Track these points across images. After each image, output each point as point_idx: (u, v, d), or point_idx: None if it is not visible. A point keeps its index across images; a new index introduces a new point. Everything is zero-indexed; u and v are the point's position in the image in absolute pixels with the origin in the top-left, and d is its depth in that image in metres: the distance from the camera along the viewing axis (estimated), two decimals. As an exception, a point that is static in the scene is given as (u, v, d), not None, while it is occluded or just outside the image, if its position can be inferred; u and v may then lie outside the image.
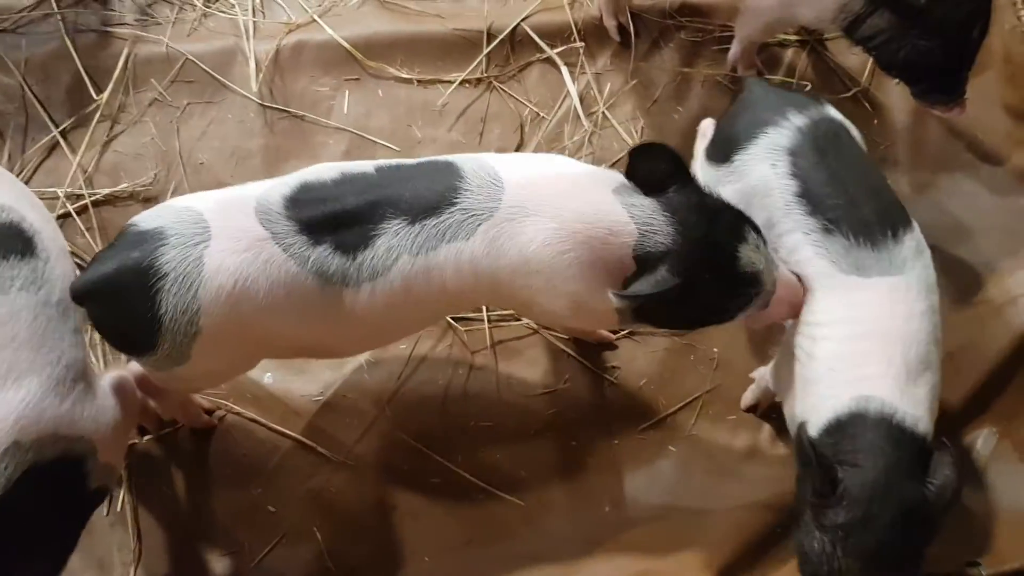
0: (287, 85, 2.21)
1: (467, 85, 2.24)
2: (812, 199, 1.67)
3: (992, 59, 2.22)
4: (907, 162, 2.21)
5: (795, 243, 1.68)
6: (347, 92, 2.22)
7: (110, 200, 2.12)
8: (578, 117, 2.20)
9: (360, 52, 2.23)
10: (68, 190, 2.10)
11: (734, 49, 2.24)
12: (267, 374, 1.98)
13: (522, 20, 2.26)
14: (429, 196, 1.56)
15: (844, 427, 1.59)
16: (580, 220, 1.55)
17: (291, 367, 1.98)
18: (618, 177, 1.61)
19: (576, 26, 2.26)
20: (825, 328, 1.65)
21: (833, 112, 1.78)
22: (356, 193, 1.55)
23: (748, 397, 2.00)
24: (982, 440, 1.97)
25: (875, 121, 2.25)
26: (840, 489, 1.54)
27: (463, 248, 1.55)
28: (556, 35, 2.27)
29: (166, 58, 2.21)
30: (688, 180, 1.58)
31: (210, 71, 2.21)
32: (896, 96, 2.25)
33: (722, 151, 1.78)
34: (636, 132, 2.20)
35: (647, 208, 1.55)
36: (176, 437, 1.95)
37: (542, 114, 2.22)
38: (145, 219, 1.53)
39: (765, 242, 1.62)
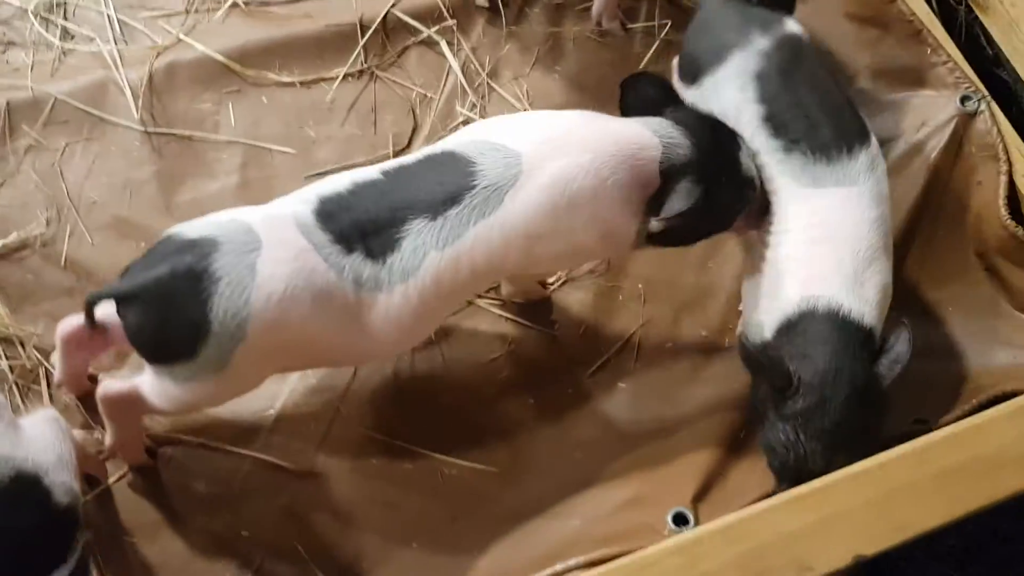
0: (167, 108, 2.15)
1: (350, 79, 2.24)
2: (776, 122, 1.81)
3: (827, -25, 2.41)
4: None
5: (760, 162, 1.81)
6: (231, 104, 2.18)
7: (4, 255, 2.01)
8: (465, 91, 2.25)
9: (236, 63, 2.20)
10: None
11: (596, 3, 2.33)
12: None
13: (392, 6, 2.27)
14: (444, 189, 1.61)
15: (795, 325, 1.72)
16: (612, 143, 1.64)
17: (232, 388, 1.94)
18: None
19: (444, 4, 2.30)
20: (781, 235, 1.77)
21: (793, 27, 1.90)
22: (373, 200, 1.60)
23: None
24: (893, 316, 2.14)
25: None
26: (795, 380, 1.65)
27: (492, 222, 1.61)
28: (427, 17, 2.29)
29: (33, 102, 2.11)
30: (679, 101, 1.73)
31: (84, 107, 2.12)
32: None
33: (690, 72, 1.88)
34: (523, 95, 2.27)
35: (663, 124, 1.68)
36: (124, 484, 1.87)
37: (429, 94, 2.25)
38: (192, 228, 1.55)
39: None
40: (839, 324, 1.70)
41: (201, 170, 2.12)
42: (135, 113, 2.12)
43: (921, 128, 2.20)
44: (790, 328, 1.72)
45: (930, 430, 1.81)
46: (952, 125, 2.16)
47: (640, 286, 2.11)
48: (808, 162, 1.79)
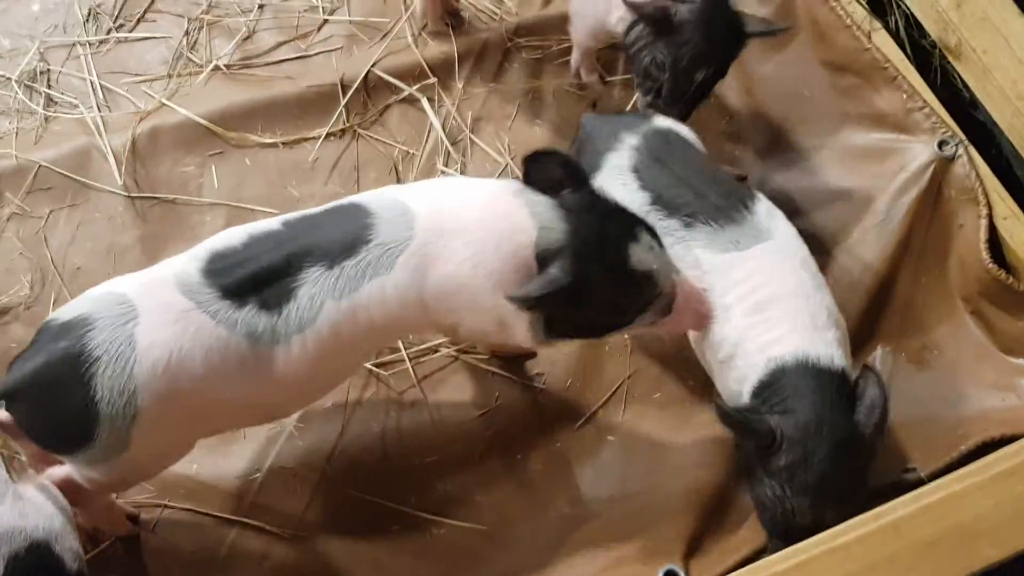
0: (150, 172, 2.17)
1: (333, 138, 2.26)
2: (665, 203, 1.85)
3: (801, 23, 2.43)
4: (750, 130, 2.39)
5: (673, 251, 1.80)
6: (214, 167, 2.20)
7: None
8: (447, 148, 2.27)
9: (218, 126, 2.22)
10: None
11: (574, 57, 2.36)
12: (194, 465, 1.91)
13: (372, 66, 2.30)
14: (342, 238, 1.58)
15: (768, 385, 1.71)
16: (488, 229, 1.60)
17: (217, 451, 1.93)
18: (518, 184, 1.67)
19: (426, 63, 2.32)
20: (723, 312, 1.77)
21: (661, 122, 1.97)
22: (269, 250, 1.56)
23: None
24: (879, 360, 2.14)
25: (711, 99, 2.42)
26: (778, 436, 1.65)
27: (385, 282, 1.57)
28: (408, 75, 2.32)
29: (17, 170, 2.13)
30: (582, 183, 1.66)
31: (68, 174, 2.14)
32: (728, 78, 2.42)
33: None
34: (504, 150, 2.28)
35: (548, 207, 1.62)
36: (110, 552, 1.85)
37: (412, 151, 2.27)
38: (64, 311, 1.51)
39: (661, 245, 1.68)
40: (812, 374, 1.70)
41: (185, 233, 2.13)
42: (118, 178, 2.14)
43: (900, 173, 2.21)
44: (764, 389, 1.71)
45: (921, 479, 1.81)
46: (931, 170, 2.17)
47: (626, 337, 2.11)
48: (713, 230, 1.81)
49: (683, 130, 1.99)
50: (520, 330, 1.67)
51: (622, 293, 1.63)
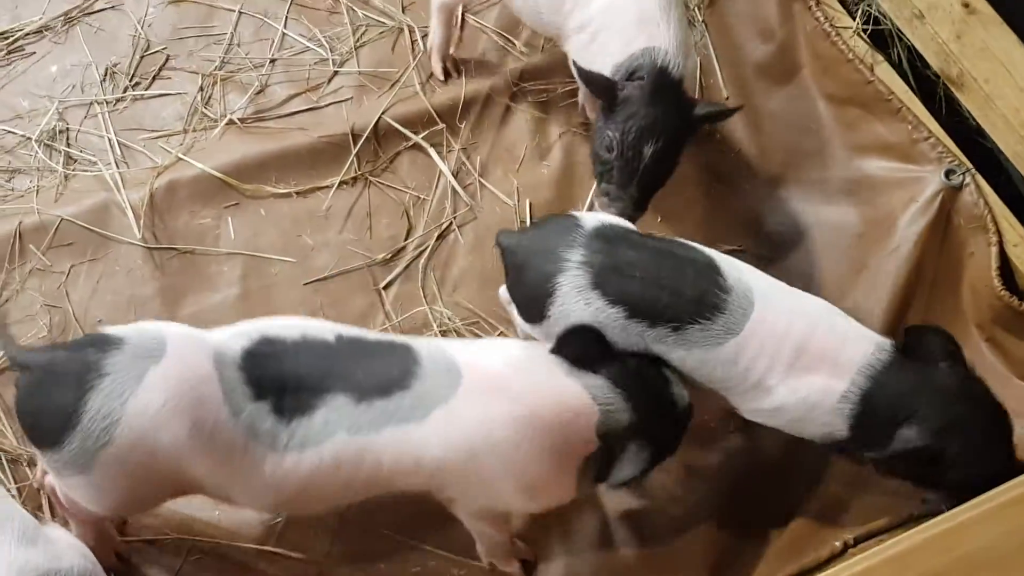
0: (168, 225, 2.21)
1: (345, 186, 2.30)
2: (644, 313, 1.72)
3: (804, 59, 2.46)
4: (757, 164, 2.41)
5: (664, 354, 1.75)
6: (230, 218, 2.24)
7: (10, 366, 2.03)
8: (456, 192, 2.30)
9: (233, 178, 2.26)
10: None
11: (581, 94, 2.40)
12: (216, 511, 1.92)
13: (382, 114, 2.34)
14: (382, 376, 1.56)
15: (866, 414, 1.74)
16: (545, 406, 1.59)
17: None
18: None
19: (434, 110, 2.36)
20: (758, 387, 1.76)
21: (590, 222, 1.81)
22: (311, 358, 1.56)
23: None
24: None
25: (718, 136, 2.45)
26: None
27: (411, 431, 1.56)
28: (417, 122, 2.36)
29: (39, 226, 2.17)
30: (615, 355, 1.68)
31: (88, 226, 2.17)
32: (737, 114, 2.45)
33: (533, 314, 1.81)
34: (513, 191, 2.32)
35: (603, 387, 1.63)
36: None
37: (423, 196, 2.30)
38: (116, 327, 1.56)
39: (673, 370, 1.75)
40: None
41: (203, 284, 2.17)
42: (137, 232, 2.18)
43: (909, 204, 2.23)
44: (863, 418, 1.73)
45: (941, 510, 1.80)
46: (939, 199, 2.18)
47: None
48: (703, 326, 1.72)
49: (615, 220, 1.87)
50: (553, 497, 1.70)
51: (678, 432, 1.75)
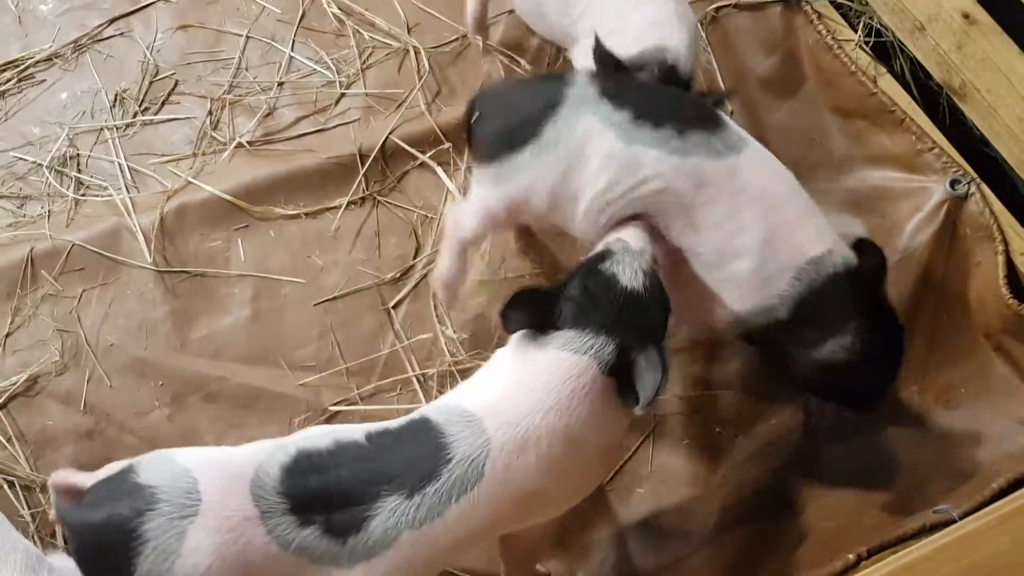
0: (179, 249, 2.23)
1: (353, 206, 2.31)
2: (650, 116, 1.82)
3: (807, 71, 2.48)
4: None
5: (658, 162, 1.82)
6: (240, 240, 2.26)
7: (23, 393, 2.07)
8: (465, 210, 2.32)
9: (243, 200, 2.28)
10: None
11: None
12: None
13: (389, 134, 2.36)
14: (421, 462, 1.54)
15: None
16: (557, 390, 1.59)
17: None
18: (530, 334, 1.66)
19: (439, 129, 2.38)
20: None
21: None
22: (349, 466, 1.53)
23: None
24: (906, 401, 2.14)
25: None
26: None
27: (475, 495, 1.54)
28: (424, 141, 2.38)
29: (51, 252, 2.19)
30: (553, 302, 1.66)
31: (100, 251, 2.19)
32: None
33: (519, 134, 1.86)
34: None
35: (573, 337, 1.62)
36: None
37: (430, 215, 2.32)
38: (144, 468, 1.50)
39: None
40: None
41: (214, 306, 2.19)
42: (148, 256, 2.20)
43: (915, 213, 2.24)
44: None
45: (953, 519, 1.80)
46: (944, 209, 2.19)
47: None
48: (705, 136, 1.82)
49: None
50: (619, 448, 1.75)
51: (664, 315, 1.72)
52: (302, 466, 1.51)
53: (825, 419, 2.11)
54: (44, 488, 1.97)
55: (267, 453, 1.53)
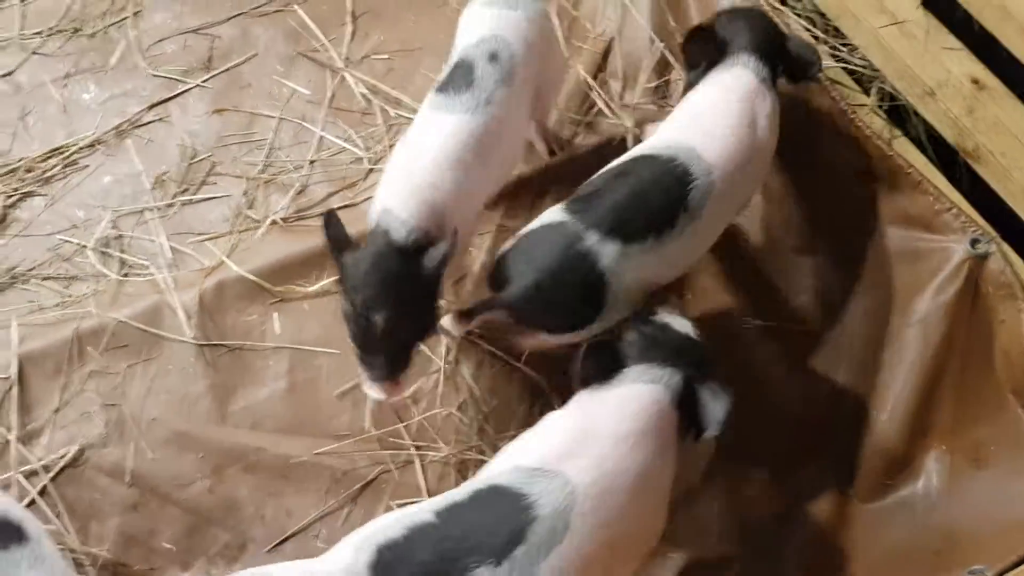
0: (217, 324, 2.30)
1: (385, 278, 2.38)
2: None
3: (825, 136, 2.51)
4: (782, 237, 2.45)
5: None
6: (275, 314, 2.32)
7: (70, 466, 2.13)
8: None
9: (276, 275, 2.34)
10: (23, 470, 2.11)
11: None
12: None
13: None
14: (502, 527, 1.55)
15: None
16: (634, 417, 1.66)
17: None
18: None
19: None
20: None
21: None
22: (430, 548, 1.53)
23: None
24: (934, 460, 2.15)
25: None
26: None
27: (564, 548, 1.55)
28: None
29: (96, 329, 2.27)
30: (617, 348, 1.78)
31: (143, 327, 2.27)
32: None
33: (587, 305, 1.96)
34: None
35: (647, 371, 1.72)
36: None
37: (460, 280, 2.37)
38: None
39: None
40: None
41: (252, 379, 2.25)
42: (188, 331, 2.27)
43: (937, 273, 2.27)
44: None
45: (985, 577, 1.80)
46: (966, 268, 2.22)
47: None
48: None
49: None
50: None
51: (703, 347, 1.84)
52: (385, 560, 1.52)
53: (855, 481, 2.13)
54: (94, 562, 2.03)
55: (351, 557, 1.53)
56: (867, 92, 2.53)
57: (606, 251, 1.88)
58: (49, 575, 1.62)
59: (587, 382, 1.75)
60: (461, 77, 2.03)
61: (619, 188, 1.96)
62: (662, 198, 1.95)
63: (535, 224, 1.99)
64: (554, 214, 1.98)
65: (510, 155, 2.17)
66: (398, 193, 1.93)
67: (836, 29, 2.62)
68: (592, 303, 1.89)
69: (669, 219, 1.94)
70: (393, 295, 1.83)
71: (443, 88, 2.05)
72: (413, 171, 1.94)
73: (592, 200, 1.95)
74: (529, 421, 2.14)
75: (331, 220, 1.91)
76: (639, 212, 1.93)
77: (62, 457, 2.14)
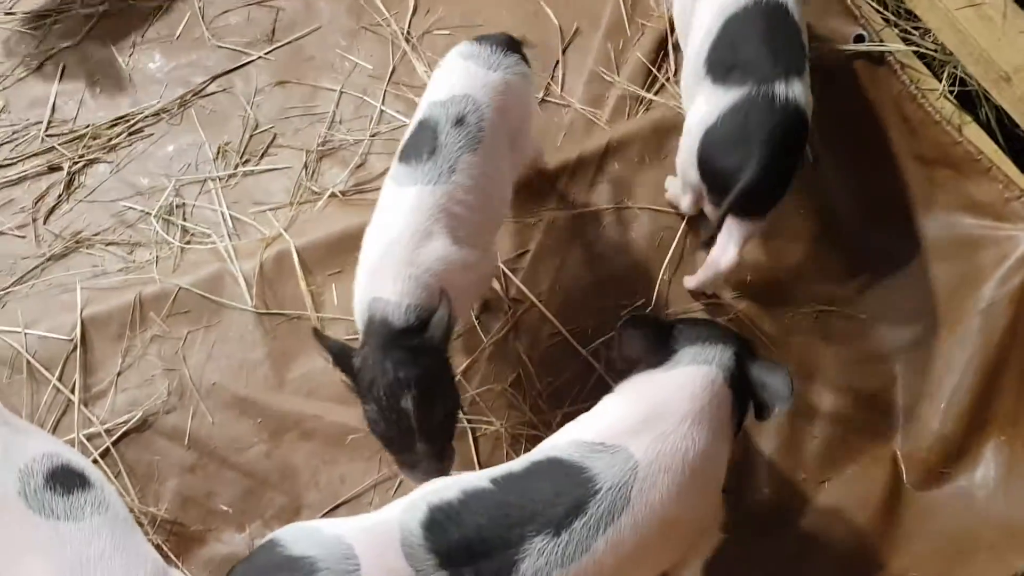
0: (276, 293, 2.33)
1: (441, 252, 2.39)
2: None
3: (890, 121, 2.49)
4: (848, 227, 2.43)
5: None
6: (333, 285, 2.35)
7: (133, 431, 2.18)
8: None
9: (334, 247, 2.37)
10: (85, 432, 2.17)
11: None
12: None
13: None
14: (562, 499, 1.55)
15: None
16: (694, 397, 1.67)
17: None
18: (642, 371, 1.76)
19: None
20: None
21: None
22: (484, 513, 1.53)
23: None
24: (992, 451, 2.11)
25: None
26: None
27: (622, 524, 1.55)
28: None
29: (159, 295, 2.31)
30: (668, 327, 1.79)
31: (205, 294, 2.31)
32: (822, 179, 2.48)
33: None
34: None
35: (701, 352, 1.73)
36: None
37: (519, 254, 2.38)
38: (291, 541, 1.53)
39: None
40: None
41: (310, 347, 2.27)
42: (249, 300, 2.31)
43: (1003, 261, 2.23)
44: None
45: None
46: (1033, 257, 2.19)
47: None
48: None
49: None
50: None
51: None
52: (438, 520, 1.53)
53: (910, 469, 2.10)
54: (152, 521, 2.08)
55: (402, 511, 1.56)
56: (938, 76, 2.47)
57: None
58: (111, 520, 1.67)
59: (632, 366, 1.75)
60: (424, 143, 1.91)
61: None
62: None
63: None
64: None
65: (496, 200, 2.03)
66: (381, 279, 1.84)
67: (908, 11, 2.57)
68: None
69: None
70: (414, 375, 1.75)
71: (405, 157, 1.93)
72: (387, 253, 1.85)
73: None
74: (582, 399, 2.17)
75: (320, 335, 1.84)
76: None
77: (125, 423, 2.19)
